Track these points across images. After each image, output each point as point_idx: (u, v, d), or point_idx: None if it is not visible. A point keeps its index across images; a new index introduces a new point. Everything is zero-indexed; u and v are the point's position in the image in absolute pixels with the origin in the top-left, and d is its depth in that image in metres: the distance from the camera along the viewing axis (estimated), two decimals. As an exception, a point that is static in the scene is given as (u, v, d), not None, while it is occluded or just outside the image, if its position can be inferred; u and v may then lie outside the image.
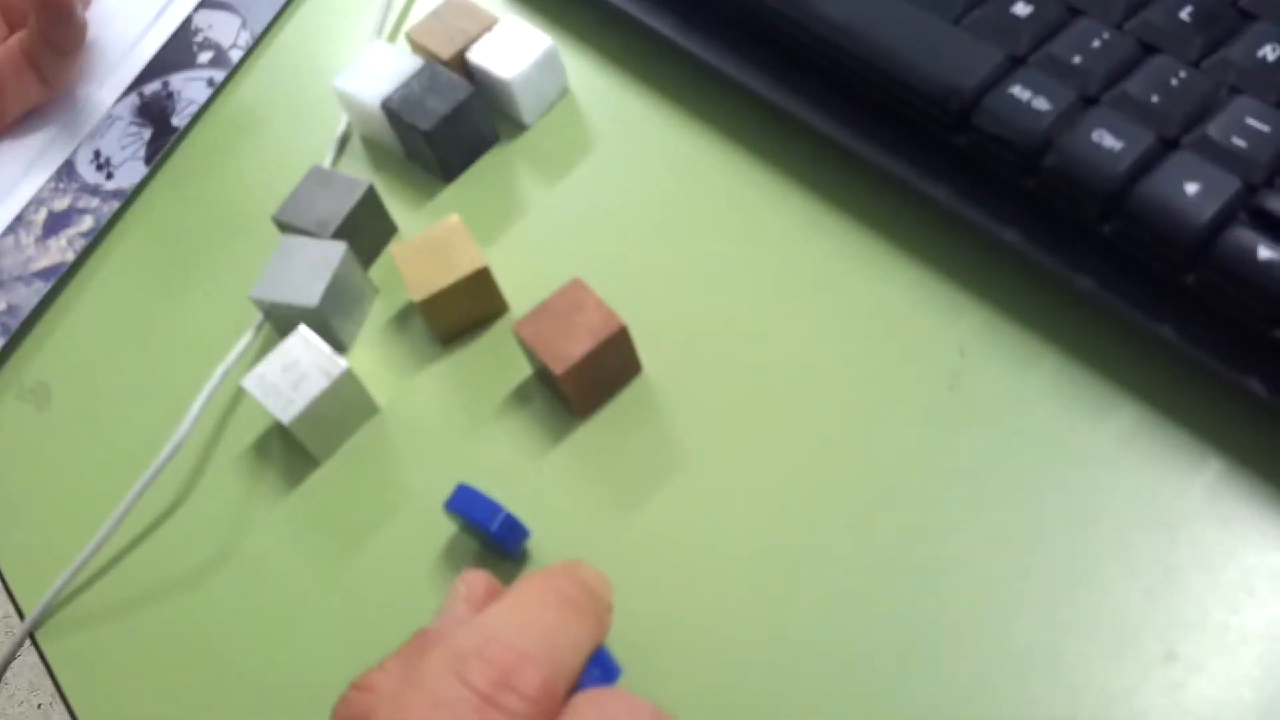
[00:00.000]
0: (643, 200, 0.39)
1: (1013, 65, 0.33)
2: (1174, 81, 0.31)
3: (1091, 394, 0.32)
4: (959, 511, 0.31)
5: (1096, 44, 0.32)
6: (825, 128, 0.36)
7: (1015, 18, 0.33)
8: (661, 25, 0.40)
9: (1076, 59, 0.32)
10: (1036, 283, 0.33)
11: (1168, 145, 0.30)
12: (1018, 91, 0.32)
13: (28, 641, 0.36)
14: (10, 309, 0.43)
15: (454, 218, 0.37)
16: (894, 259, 0.35)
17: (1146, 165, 0.30)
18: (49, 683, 0.35)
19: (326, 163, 0.43)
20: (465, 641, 0.25)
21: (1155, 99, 0.31)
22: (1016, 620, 0.29)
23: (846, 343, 0.34)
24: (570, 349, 0.33)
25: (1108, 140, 0.30)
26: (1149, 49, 0.32)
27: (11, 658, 0.36)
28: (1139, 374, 0.31)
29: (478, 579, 0.29)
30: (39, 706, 1.18)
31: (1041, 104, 0.31)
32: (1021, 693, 0.28)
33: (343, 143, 0.44)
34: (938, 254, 0.35)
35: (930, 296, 0.34)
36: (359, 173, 0.43)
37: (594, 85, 0.42)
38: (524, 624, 0.26)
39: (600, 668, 0.27)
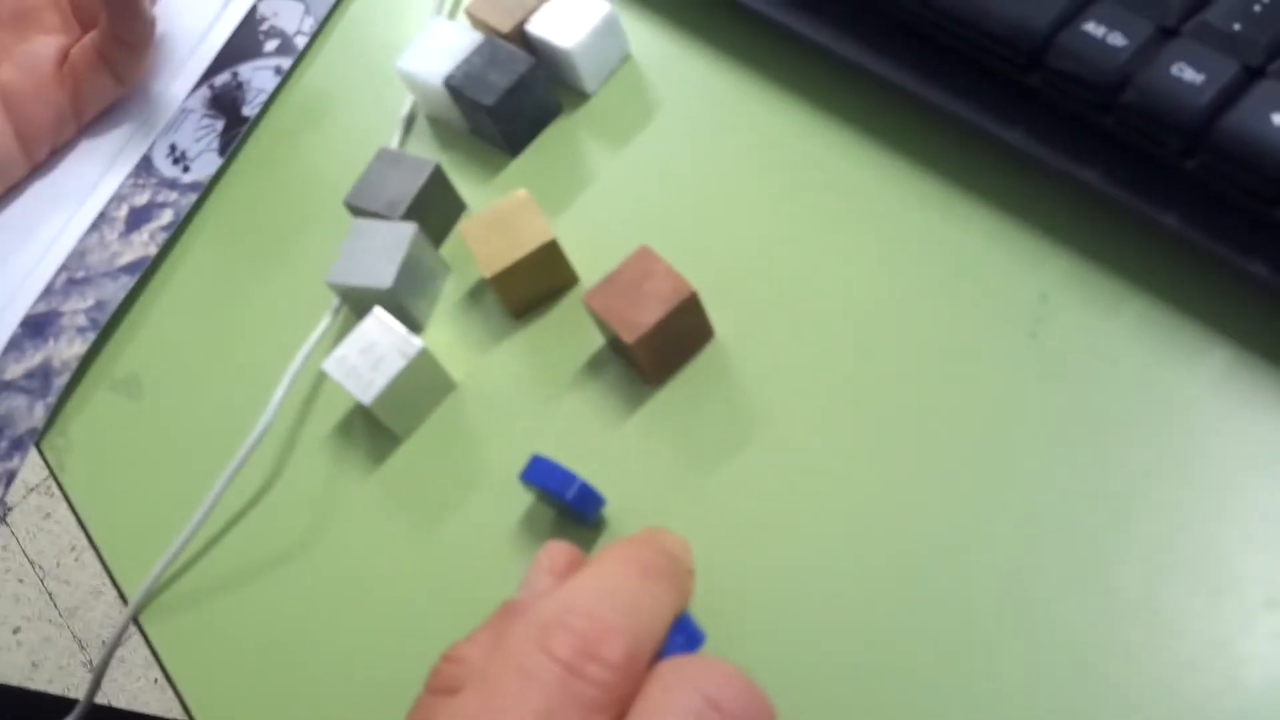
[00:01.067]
0: (709, 162, 0.38)
1: (1085, 1, 0.31)
2: (1257, 7, 0.29)
3: (1182, 336, 0.31)
4: (1049, 462, 0.30)
5: (1174, -28, 0.31)
6: (894, 76, 0.35)
7: (1086, -50, 0.32)
8: (720, -17, 0.39)
9: (1153, -11, 0.31)
10: (1119, 224, 0.32)
11: (1253, 75, 0.29)
12: (1091, 27, 0.31)
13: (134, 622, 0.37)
14: (99, 304, 0.44)
15: (522, 192, 0.37)
16: (970, 207, 0.34)
17: (1231, 97, 0.29)
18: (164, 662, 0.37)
19: (394, 143, 0.43)
20: (549, 612, 0.25)
21: (1237, 27, 0.29)
22: (1114, 570, 0.28)
23: (924, 296, 0.34)
24: (641, 317, 0.33)
25: (1188, 73, 0.29)
26: (1230, -27, 0.31)
27: (117, 644, 0.38)
28: (1231, 313, 0.30)
29: (560, 550, 0.29)
30: (155, 681, 1.22)
31: (1117, 39, 0.30)
32: (1121, 642, 0.28)
33: (409, 122, 0.44)
34: (1015, 199, 0.34)
35: (1009, 243, 0.33)
36: (426, 151, 0.43)
37: (655, 48, 0.42)
38: (607, 593, 0.26)
39: (683, 634, 0.27)
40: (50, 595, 1.33)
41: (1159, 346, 0.31)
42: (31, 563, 1.36)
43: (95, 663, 1.27)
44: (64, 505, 1.31)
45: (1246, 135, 0.28)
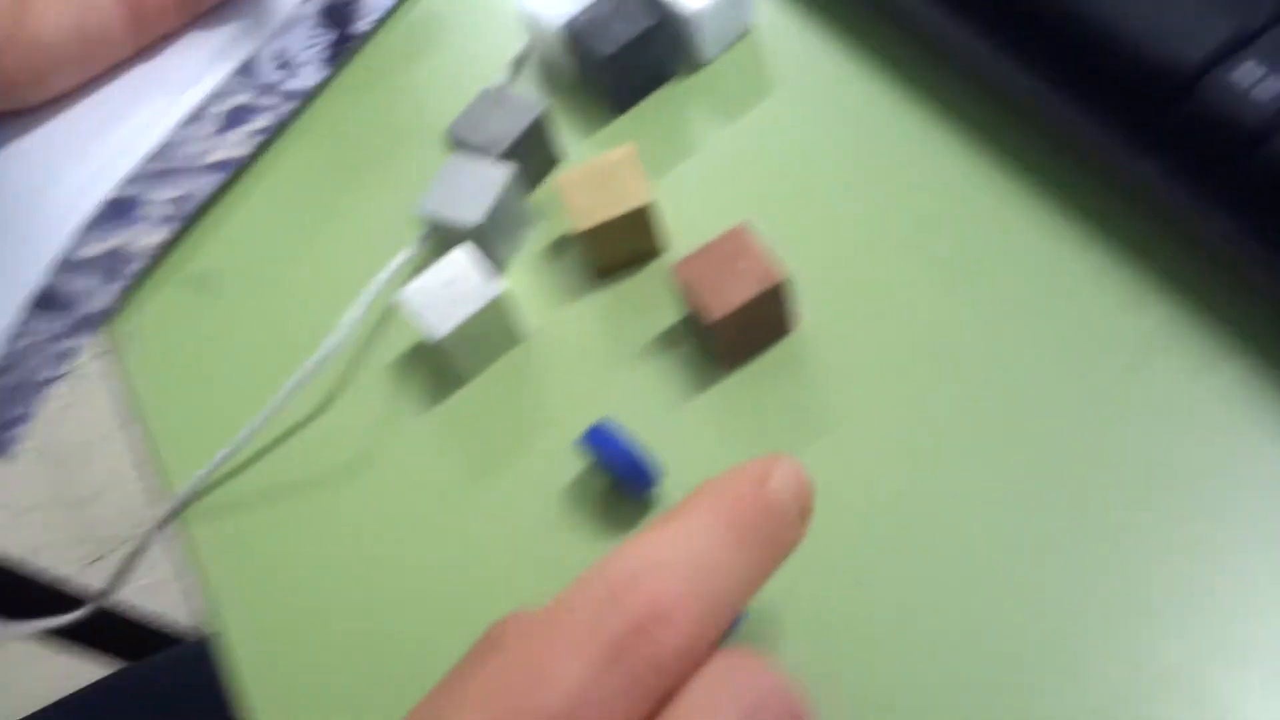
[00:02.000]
0: (819, 150, 0.37)
1: (1245, 40, 0.30)
2: None
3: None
4: (1124, 511, 0.29)
5: (1343, 25, 0.29)
6: (1024, 88, 0.34)
7: (1253, -10, 0.30)
8: (859, -31, 0.38)
9: (1318, 41, 0.29)
10: (1237, 277, 0.31)
11: None
12: (1248, 69, 0.29)
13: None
14: (185, 197, 0.44)
15: (629, 147, 0.36)
16: (1084, 234, 0.33)
17: (1388, 164, 0.27)
18: (190, 567, 0.36)
19: (503, 82, 0.42)
20: (615, 570, 0.22)
21: (1406, 93, 0.28)
22: (1168, 636, 0.27)
23: (1021, 322, 0.32)
24: (728, 296, 0.32)
25: (1345, 133, 0.28)
26: (1404, 36, 0.29)
27: (158, 528, 0.38)
28: (1343, 391, 0.29)
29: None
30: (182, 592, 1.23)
31: (1273, 86, 0.29)
32: (1155, 716, 0.27)
33: (521, 63, 0.43)
34: (1132, 234, 0.33)
35: (1119, 279, 0.32)
36: (534, 96, 0.42)
37: (781, 24, 0.41)
38: (687, 558, 0.23)
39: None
40: (66, 483, 1.34)
41: (1257, 411, 0.29)
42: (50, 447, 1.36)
43: (106, 558, 1.28)
44: (90, 395, 1.31)
45: (1397, 209, 0.27)
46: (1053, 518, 0.30)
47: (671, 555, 0.23)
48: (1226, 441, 0.29)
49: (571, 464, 0.34)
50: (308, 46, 0.47)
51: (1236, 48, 0.30)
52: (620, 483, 0.32)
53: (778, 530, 0.24)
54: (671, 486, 0.33)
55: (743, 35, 0.41)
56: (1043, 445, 0.31)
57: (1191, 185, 0.31)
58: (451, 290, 0.35)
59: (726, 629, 0.23)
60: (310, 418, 0.38)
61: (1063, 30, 0.33)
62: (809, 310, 0.34)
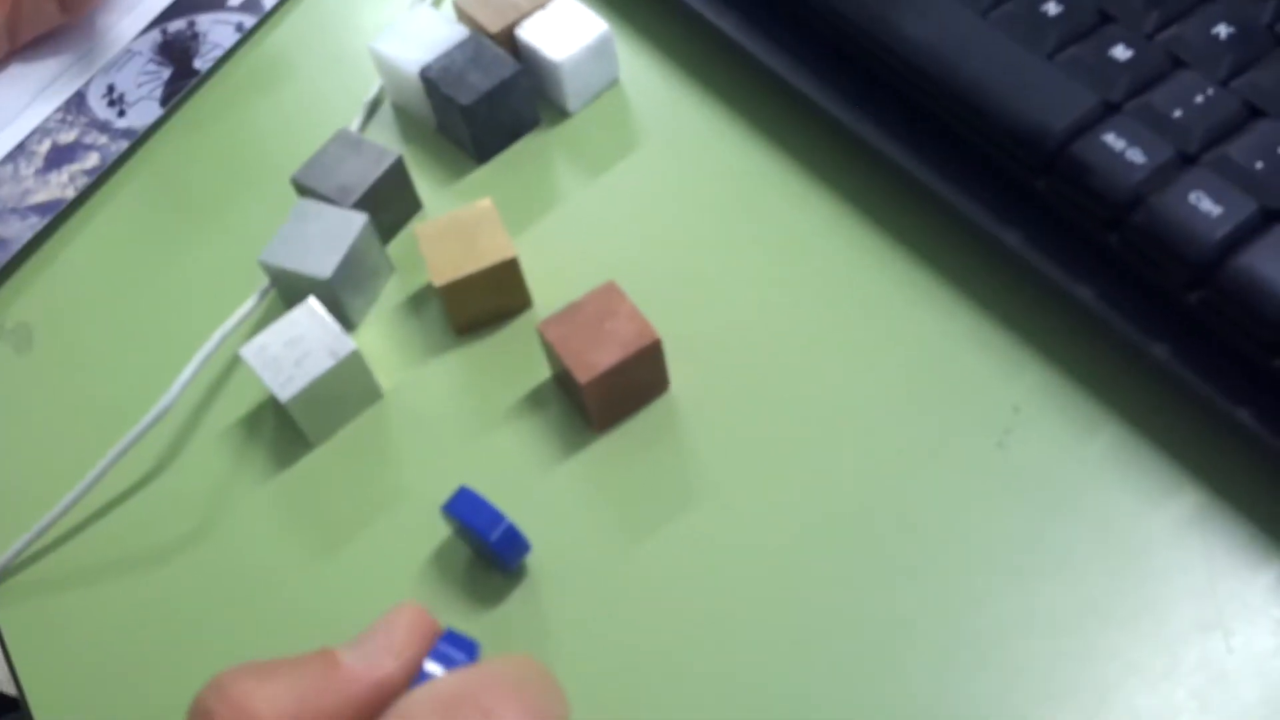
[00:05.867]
0: (686, 206, 0.36)
1: (1107, 111, 0.30)
2: (1280, 149, 0.29)
3: (1153, 472, 0.29)
4: (992, 584, 0.29)
5: (1199, 99, 0.30)
6: (893, 154, 0.34)
7: (1114, 61, 0.31)
8: (726, 24, 0.38)
9: (1177, 113, 0.30)
10: (1106, 345, 0.31)
11: (1272, 217, 0.28)
12: (1111, 140, 0.30)
13: (-23, 601, 0.34)
14: (1, 241, 0.40)
15: (486, 202, 0.35)
16: (953, 301, 0.33)
17: (1246, 236, 0.28)
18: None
19: (354, 127, 0.40)
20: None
21: (1260, 165, 0.29)
22: (1037, 708, 0.27)
23: (893, 384, 0.32)
24: (598, 358, 0.31)
25: (1205, 204, 0.28)
26: (1255, 111, 0.30)
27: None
28: (1208, 457, 0.29)
29: (410, 620, 0.23)
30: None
31: (1136, 156, 0.29)
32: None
33: (373, 108, 0.41)
34: (1001, 301, 0.33)
35: (988, 345, 0.32)
36: (387, 142, 0.40)
37: (646, 79, 0.40)
38: None
39: (462, 650, 0.23)
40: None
41: (1127, 479, 0.29)
42: None
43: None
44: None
45: (1257, 278, 0.27)
46: (924, 599, 0.29)
47: None
48: (1098, 510, 0.29)
49: (430, 536, 0.32)
50: (143, 83, 0.44)
51: (1102, 116, 0.30)
52: (487, 553, 0.30)
53: None
54: (541, 556, 0.31)
55: (609, 86, 0.40)
56: (915, 519, 0.30)
57: (1058, 253, 0.31)
58: (297, 348, 0.33)
59: None
60: (141, 484, 0.35)
61: (934, 100, 0.33)
62: (679, 371, 0.33)
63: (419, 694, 0.21)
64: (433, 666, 0.23)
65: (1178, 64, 0.31)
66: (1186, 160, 0.29)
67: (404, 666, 0.22)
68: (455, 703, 0.20)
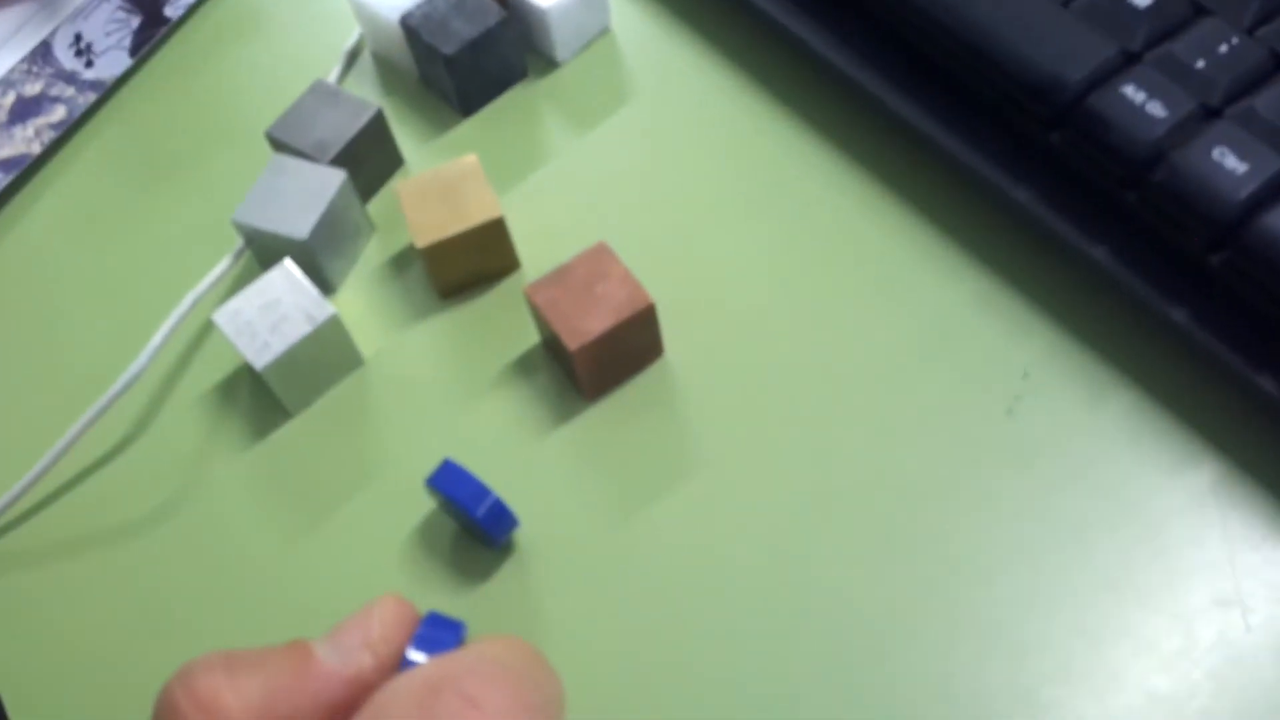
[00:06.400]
0: (681, 162, 0.35)
1: (1126, 61, 0.29)
2: (1310, 101, 0.27)
3: (1171, 440, 0.28)
4: (1000, 558, 0.27)
5: (1224, 49, 0.28)
6: (898, 106, 0.32)
7: (1133, 8, 0.29)
8: (723, -31, 0.36)
9: (1200, 63, 0.28)
10: (1121, 308, 0.30)
11: (1300, 174, 0.27)
12: (1130, 92, 0.28)
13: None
14: (-38, 199, 0.39)
15: (471, 158, 0.33)
16: (961, 261, 0.31)
17: (1273, 194, 0.26)
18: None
19: (332, 78, 0.38)
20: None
21: (1288, 119, 0.27)
22: (1048, 688, 0.26)
23: (897, 349, 0.31)
24: (589, 323, 0.29)
25: (1229, 160, 0.27)
26: (1283, 61, 0.28)
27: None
28: (1227, 426, 0.28)
29: (390, 613, 0.22)
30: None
31: (1156, 109, 0.28)
32: (1061, 774, 0.25)
33: (352, 58, 0.39)
34: (1011, 262, 0.31)
35: (997, 309, 0.31)
36: (367, 94, 0.38)
37: (640, 26, 0.38)
38: None
39: (450, 632, 0.22)
40: None
41: (1142, 449, 0.28)
42: None
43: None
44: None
45: (1285, 240, 0.26)
46: (927, 573, 0.28)
47: None
48: (1113, 479, 0.28)
49: (413, 510, 0.31)
50: (111, 31, 0.42)
51: (1120, 67, 0.29)
52: (473, 528, 0.29)
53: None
54: (529, 530, 0.30)
55: (600, 35, 0.38)
56: (920, 486, 0.29)
57: (1073, 212, 0.29)
58: (273, 313, 0.31)
59: None
60: (111, 455, 0.33)
61: (942, 50, 0.31)
62: (674, 336, 0.32)
63: (397, 684, 0.20)
64: (416, 654, 0.22)
65: (1200, 11, 0.29)
66: (1210, 113, 0.28)
67: (382, 663, 0.21)
68: (436, 691, 0.19)
